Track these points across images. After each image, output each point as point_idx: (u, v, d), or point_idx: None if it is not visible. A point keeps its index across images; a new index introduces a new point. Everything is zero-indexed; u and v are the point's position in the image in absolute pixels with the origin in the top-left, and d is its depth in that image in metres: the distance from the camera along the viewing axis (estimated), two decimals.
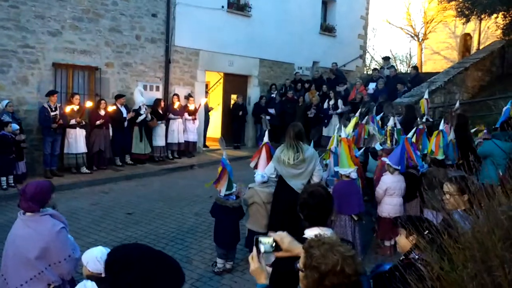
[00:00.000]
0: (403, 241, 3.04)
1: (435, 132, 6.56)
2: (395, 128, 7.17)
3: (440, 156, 6.23)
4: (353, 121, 8.46)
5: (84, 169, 10.00)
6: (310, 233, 2.59)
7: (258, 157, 5.77)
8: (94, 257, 2.91)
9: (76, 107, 9.77)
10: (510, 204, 2.21)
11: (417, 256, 2.81)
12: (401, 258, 3.04)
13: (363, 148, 7.35)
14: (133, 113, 10.92)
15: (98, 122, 10.14)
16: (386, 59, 16.43)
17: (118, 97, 10.82)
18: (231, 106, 14.57)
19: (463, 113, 8.63)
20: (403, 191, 5.87)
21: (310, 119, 13.63)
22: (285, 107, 14.12)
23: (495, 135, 6.47)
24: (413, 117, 8.64)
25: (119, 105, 10.72)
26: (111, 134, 10.64)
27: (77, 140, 9.83)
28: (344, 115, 12.99)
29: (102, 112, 10.30)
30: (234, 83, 14.75)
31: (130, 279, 1.66)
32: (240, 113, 14.07)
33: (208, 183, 5.52)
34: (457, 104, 9.17)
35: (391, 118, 7.42)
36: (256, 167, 5.74)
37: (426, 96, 9.18)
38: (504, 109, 7.57)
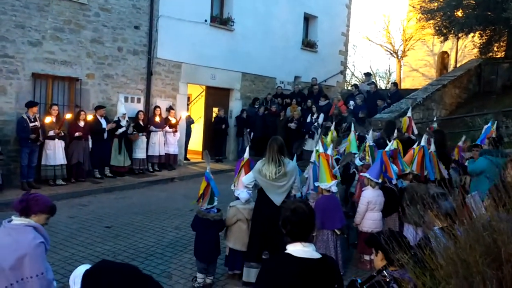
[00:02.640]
0: (377, 260, 3.09)
1: (416, 148, 6.61)
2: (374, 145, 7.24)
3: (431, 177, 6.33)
4: (329, 135, 8.54)
5: (60, 181, 9.82)
6: (292, 248, 2.58)
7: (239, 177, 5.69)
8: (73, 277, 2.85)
9: (53, 118, 9.63)
10: (491, 219, 2.24)
11: (389, 277, 2.83)
12: (373, 274, 3.07)
13: (339, 165, 7.37)
14: (114, 124, 10.81)
15: (76, 134, 10.01)
16: (367, 75, 16.69)
17: (97, 108, 10.71)
18: (213, 119, 14.57)
19: (441, 129, 8.78)
20: (382, 205, 5.92)
21: (291, 132, 13.68)
22: (267, 121, 14.17)
23: (485, 151, 6.52)
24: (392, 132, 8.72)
25: (98, 117, 10.62)
26: (90, 146, 10.50)
27: (55, 152, 9.67)
28: (322, 129, 13.08)
29: (82, 124, 10.17)
30: (216, 96, 14.75)
31: None
32: (223, 126, 14.09)
33: (193, 200, 5.45)
34: (434, 120, 9.34)
35: (369, 134, 7.50)
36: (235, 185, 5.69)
37: (409, 114, 9.22)
38: (485, 126, 7.74)
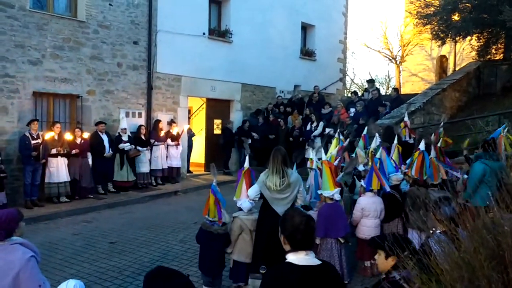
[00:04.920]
0: (382, 262, 3.06)
1: (416, 153, 6.60)
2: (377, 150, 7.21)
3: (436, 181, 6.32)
4: (334, 142, 8.52)
5: (63, 198, 9.83)
6: (294, 257, 2.57)
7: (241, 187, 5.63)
8: None
9: (55, 136, 9.68)
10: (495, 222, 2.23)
11: (398, 276, 2.83)
12: (382, 277, 3.05)
13: (344, 172, 7.35)
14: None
15: (73, 152, 10.01)
16: (371, 81, 16.69)
17: (97, 124, 10.75)
18: (221, 131, 14.56)
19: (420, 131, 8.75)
20: (380, 212, 5.87)
21: (292, 142, 13.67)
22: (268, 131, 14.16)
23: (480, 155, 6.35)
24: (391, 138, 8.69)
25: (99, 132, 10.64)
26: (91, 162, 10.49)
27: (58, 169, 9.70)
28: (325, 137, 13.07)
29: (78, 140, 10.19)
30: (217, 108, 14.79)
31: None
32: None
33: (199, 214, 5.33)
34: (441, 125, 9.26)
35: (374, 139, 7.48)
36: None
37: (406, 118, 9.28)
38: (497, 130, 7.69)
